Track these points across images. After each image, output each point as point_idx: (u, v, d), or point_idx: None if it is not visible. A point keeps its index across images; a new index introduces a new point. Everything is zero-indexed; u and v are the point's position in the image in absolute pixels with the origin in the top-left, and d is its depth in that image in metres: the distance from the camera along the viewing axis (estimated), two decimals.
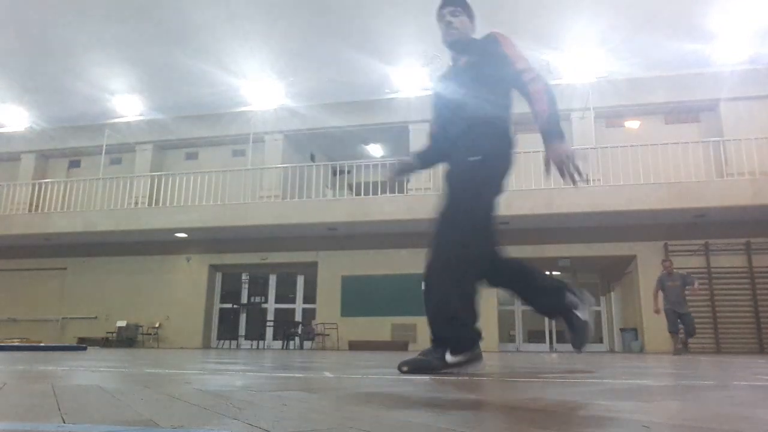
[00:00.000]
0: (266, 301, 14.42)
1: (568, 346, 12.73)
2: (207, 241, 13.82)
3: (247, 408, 1.15)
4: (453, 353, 2.42)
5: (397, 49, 12.04)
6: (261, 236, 13.34)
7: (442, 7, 2.83)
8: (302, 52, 12.22)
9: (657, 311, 9.39)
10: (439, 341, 2.46)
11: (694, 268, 11.44)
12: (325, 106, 14.10)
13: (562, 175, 2.39)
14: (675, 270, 9.49)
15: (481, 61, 2.65)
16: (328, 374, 2.52)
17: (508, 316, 13.46)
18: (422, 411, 1.17)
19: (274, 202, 13.00)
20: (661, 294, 9.44)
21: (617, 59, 11.93)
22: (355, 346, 12.19)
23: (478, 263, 2.53)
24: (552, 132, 2.41)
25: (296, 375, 2.49)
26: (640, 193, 10.84)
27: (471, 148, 2.53)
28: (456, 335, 2.44)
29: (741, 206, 10.55)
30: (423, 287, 2.54)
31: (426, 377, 2.28)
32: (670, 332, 9.32)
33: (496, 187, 2.56)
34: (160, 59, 12.54)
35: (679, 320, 9.21)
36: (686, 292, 9.29)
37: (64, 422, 0.94)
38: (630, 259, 12.10)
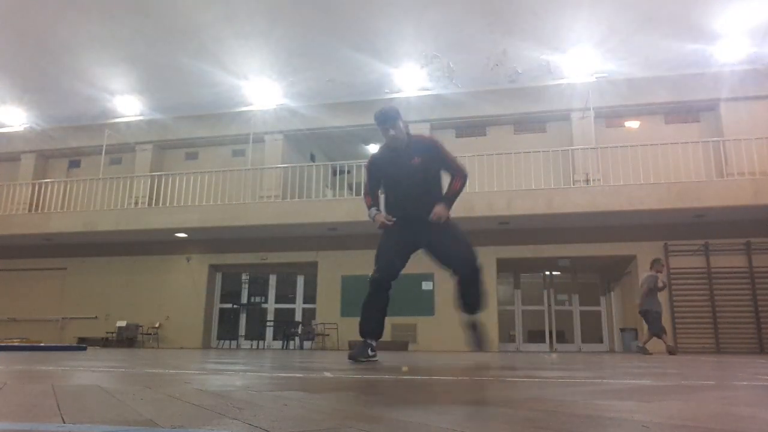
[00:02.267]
0: (266, 301, 14.41)
1: (569, 347, 12.63)
2: (207, 241, 13.81)
3: (247, 408, 1.15)
4: None
5: (397, 49, 12.03)
6: (261, 236, 13.33)
7: (379, 125, 3.92)
8: (302, 52, 12.21)
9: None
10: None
11: (694, 268, 11.46)
12: (325, 106, 14.09)
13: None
14: (655, 272, 9.51)
15: (429, 163, 3.93)
16: (328, 374, 2.52)
17: (508, 316, 13.45)
18: (422, 411, 1.17)
19: (274, 202, 12.98)
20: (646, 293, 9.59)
21: (617, 59, 11.92)
22: (355, 346, 12.18)
23: None
24: (448, 200, 3.90)
25: (296, 375, 2.49)
26: (640, 193, 10.83)
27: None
28: None
29: (741, 206, 10.53)
30: None
31: (425, 377, 2.28)
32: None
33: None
34: (160, 59, 12.53)
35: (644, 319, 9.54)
36: (650, 291, 9.41)
37: (64, 422, 0.94)
38: (630, 259, 12.09)
